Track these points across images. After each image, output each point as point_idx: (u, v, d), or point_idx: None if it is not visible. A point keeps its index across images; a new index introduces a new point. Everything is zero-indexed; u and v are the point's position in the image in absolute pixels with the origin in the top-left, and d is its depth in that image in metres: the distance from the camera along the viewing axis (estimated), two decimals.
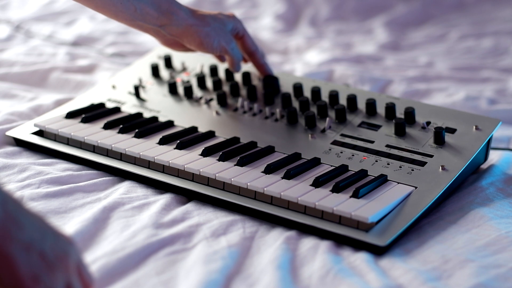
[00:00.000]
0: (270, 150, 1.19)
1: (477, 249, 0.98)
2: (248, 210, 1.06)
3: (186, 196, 1.12)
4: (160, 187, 1.13)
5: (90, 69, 1.70)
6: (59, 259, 0.79)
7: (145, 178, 1.14)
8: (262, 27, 2.24)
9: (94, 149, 1.20)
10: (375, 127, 1.23)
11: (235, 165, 1.13)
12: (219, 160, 1.14)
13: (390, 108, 1.24)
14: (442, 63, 1.96)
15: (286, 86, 1.35)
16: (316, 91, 1.30)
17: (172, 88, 1.37)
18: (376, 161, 1.15)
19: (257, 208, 1.05)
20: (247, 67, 1.42)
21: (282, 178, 1.09)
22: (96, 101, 1.36)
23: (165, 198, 1.09)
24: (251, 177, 1.09)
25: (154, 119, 1.30)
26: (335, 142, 1.20)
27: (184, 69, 1.44)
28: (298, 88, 1.32)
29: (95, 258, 0.92)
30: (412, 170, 1.12)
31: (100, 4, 1.23)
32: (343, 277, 0.91)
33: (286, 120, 1.26)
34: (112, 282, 0.89)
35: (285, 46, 2.08)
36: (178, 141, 1.19)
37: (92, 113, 1.29)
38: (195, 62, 1.44)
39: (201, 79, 1.38)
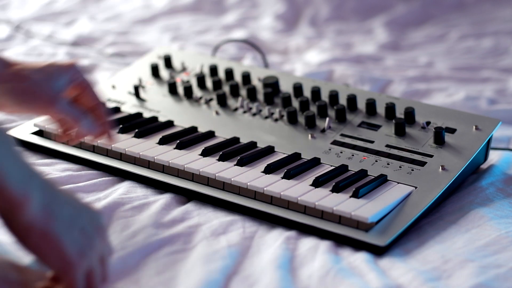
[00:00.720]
0: (270, 150, 1.19)
1: (477, 249, 0.98)
2: (248, 210, 1.06)
3: (186, 196, 1.12)
4: (160, 187, 1.13)
5: (90, 69, 1.70)
6: (96, 232, 0.83)
7: (145, 178, 1.14)
8: (262, 27, 2.24)
9: (93, 149, 1.20)
10: (375, 127, 1.23)
11: (235, 165, 1.13)
12: (219, 160, 1.14)
13: (390, 108, 1.24)
14: (442, 63, 1.96)
15: (286, 86, 1.35)
16: (316, 91, 1.30)
17: (172, 88, 1.37)
18: (376, 161, 1.15)
19: (257, 208, 1.05)
20: (247, 66, 1.42)
21: (282, 178, 1.09)
22: None
23: (165, 198, 1.09)
24: (251, 177, 1.09)
25: (154, 119, 1.30)
26: (335, 142, 1.20)
27: (184, 69, 1.43)
28: (298, 88, 1.32)
29: None
30: (412, 170, 1.12)
31: None
32: (343, 277, 0.91)
33: (286, 120, 1.26)
34: (112, 282, 0.88)
35: (285, 46, 2.08)
36: (178, 141, 1.19)
37: None
38: (195, 62, 1.44)
39: (201, 79, 1.37)
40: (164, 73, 1.43)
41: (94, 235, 0.83)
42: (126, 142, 1.19)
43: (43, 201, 0.78)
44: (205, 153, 1.16)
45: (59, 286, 0.82)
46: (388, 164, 1.14)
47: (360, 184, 1.08)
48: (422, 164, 1.13)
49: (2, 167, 0.75)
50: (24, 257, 0.89)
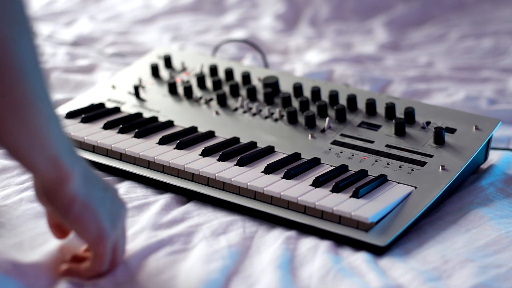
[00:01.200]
0: (270, 150, 1.19)
1: (477, 249, 0.98)
2: (248, 210, 1.06)
3: (186, 196, 1.12)
4: (160, 187, 1.13)
5: (90, 69, 1.70)
6: (122, 205, 0.89)
7: (145, 178, 1.14)
8: (262, 27, 2.24)
9: (93, 149, 1.20)
10: (375, 127, 1.23)
11: (235, 165, 1.13)
12: (219, 160, 1.14)
13: (390, 108, 1.24)
14: (442, 63, 1.96)
15: (286, 86, 1.35)
16: (316, 91, 1.30)
17: (172, 88, 1.37)
18: (376, 161, 1.15)
19: (257, 208, 1.05)
20: (247, 66, 1.42)
21: (282, 178, 1.09)
22: (96, 101, 1.36)
23: (165, 198, 1.09)
24: (251, 177, 1.09)
25: (154, 119, 1.29)
26: (335, 142, 1.20)
27: (184, 69, 1.43)
28: (298, 88, 1.32)
29: None
30: (412, 170, 1.12)
31: None
32: (343, 277, 0.91)
33: (286, 120, 1.26)
34: (112, 282, 0.88)
35: (285, 46, 2.08)
36: (178, 141, 1.19)
37: (92, 113, 1.29)
38: (195, 62, 1.44)
39: (201, 79, 1.37)
40: (164, 73, 1.43)
41: (121, 207, 0.89)
42: (126, 142, 1.19)
43: (85, 174, 0.84)
44: (205, 153, 1.16)
45: (83, 264, 0.88)
46: (388, 164, 1.14)
47: (360, 184, 1.08)
48: (422, 164, 1.13)
49: (57, 141, 0.81)
50: (25, 257, 0.90)
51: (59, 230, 0.92)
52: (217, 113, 1.30)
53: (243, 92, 1.35)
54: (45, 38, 1.92)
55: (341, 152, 1.18)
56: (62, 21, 2.15)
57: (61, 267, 0.88)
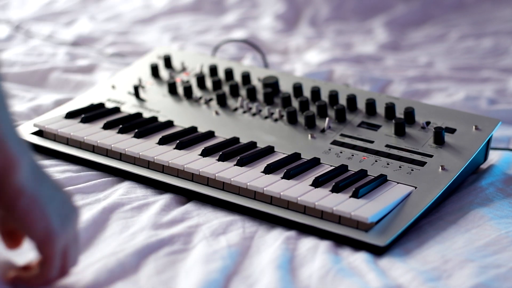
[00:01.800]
0: (270, 150, 1.19)
1: (477, 249, 0.98)
2: (248, 210, 1.06)
3: (185, 196, 1.12)
4: (159, 187, 1.13)
5: (90, 69, 1.70)
6: (74, 209, 0.85)
7: (145, 178, 1.14)
8: (262, 27, 2.24)
9: (93, 149, 1.20)
10: (375, 127, 1.23)
11: (234, 165, 1.13)
12: (218, 160, 1.14)
13: (390, 108, 1.24)
14: (442, 63, 1.96)
15: (286, 86, 1.35)
16: (316, 91, 1.30)
17: (172, 88, 1.37)
18: (376, 161, 1.15)
19: (257, 208, 1.05)
20: (247, 66, 1.42)
21: (282, 178, 1.09)
22: (95, 101, 1.36)
23: (164, 198, 1.09)
24: (251, 177, 1.09)
25: (154, 119, 1.29)
26: (335, 142, 1.20)
27: (183, 69, 1.43)
28: (298, 88, 1.32)
29: (95, 259, 0.92)
30: (412, 170, 1.12)
31: None
32: (342, 277, 0.91)
33: (286, 120, 1.26)
34: (112, 283, 0.88)
35: (285, 46, 2.08)
36: (178, 141, 1.19)
37: (92, 113, 1.29)
38: (195, 62, 1.44)
39: (200, 79, 1.37)
40: (164, 73, 1.43)
41: (73, 211, 0.84)
42: (126, 142, 1.19)
43: (33, 167, 0.80)
44: (205, 153, 1.16)
45: (31, 271, 0.84)
46: (388, 164, 1.14)
47: (360, 184, 1.08)
48: (422, 164, 1.13)
49: (3, 122, 0.77)
50: (24, 259, 0.90)
51: (10, 239, 0.87)
52: (217, 113, 1.30)
53: (243, 92, 1.35)
54: (45, 38, 1.92)
55: (341, 152, 1.18)
56: (62, 21, 2.15)
57: (8, 274, 0.85)
